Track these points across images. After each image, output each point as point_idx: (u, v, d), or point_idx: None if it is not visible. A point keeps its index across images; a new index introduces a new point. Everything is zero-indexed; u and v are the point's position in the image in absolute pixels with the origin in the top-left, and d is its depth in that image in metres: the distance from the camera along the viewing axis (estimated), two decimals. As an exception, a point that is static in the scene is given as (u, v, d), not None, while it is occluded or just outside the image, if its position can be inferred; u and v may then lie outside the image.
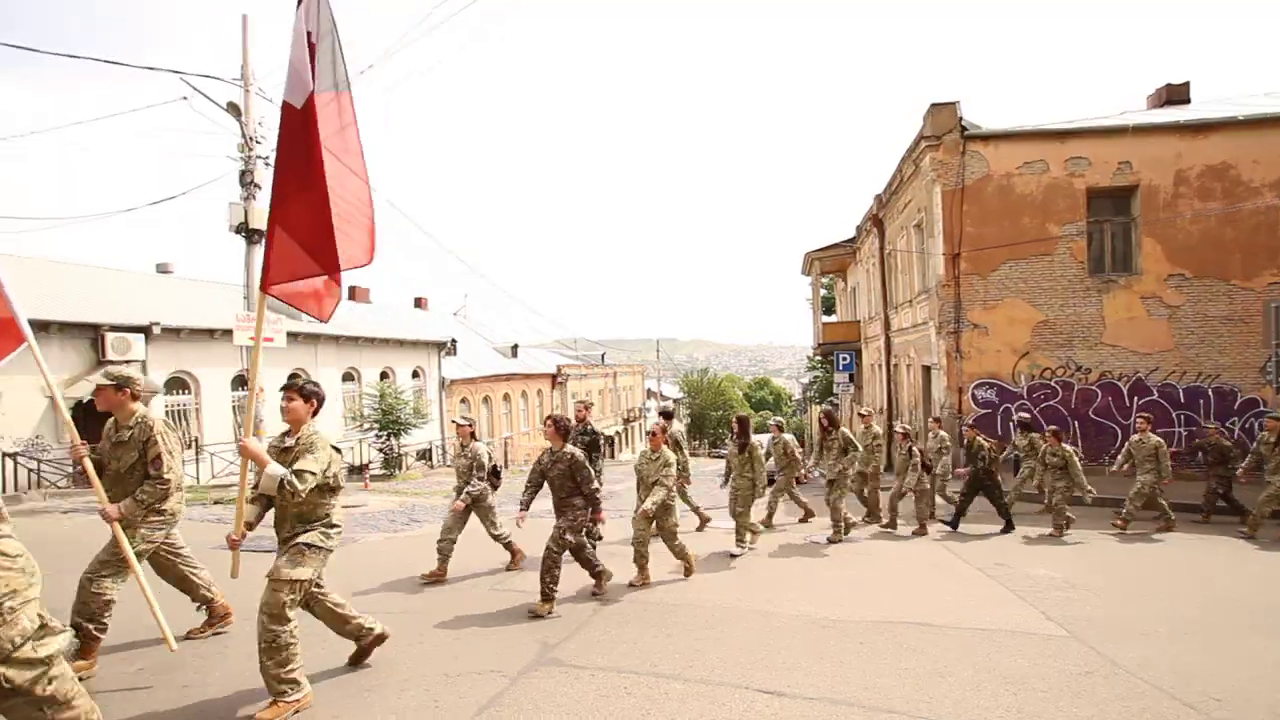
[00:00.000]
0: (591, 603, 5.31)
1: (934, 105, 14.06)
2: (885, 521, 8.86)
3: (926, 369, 15.73)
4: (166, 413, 16.11)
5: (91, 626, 3.78)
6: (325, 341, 20.88)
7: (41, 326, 13.34)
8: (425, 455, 23.75)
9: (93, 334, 14.43)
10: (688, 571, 6.11)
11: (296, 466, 3.28)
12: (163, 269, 22.38)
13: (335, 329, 21.63)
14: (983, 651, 4.27)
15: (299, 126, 3.66)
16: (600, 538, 5.34)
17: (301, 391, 3.53)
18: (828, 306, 32.81)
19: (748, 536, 7.33)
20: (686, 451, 8.29)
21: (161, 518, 4.08)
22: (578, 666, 3.96)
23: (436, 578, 5.93)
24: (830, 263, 26.52)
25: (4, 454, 12.67)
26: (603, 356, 50.26)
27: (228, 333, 14.77)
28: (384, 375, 23.65)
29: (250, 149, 10.70)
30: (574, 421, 6.31)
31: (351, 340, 22.16)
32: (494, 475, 6.34)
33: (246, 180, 10.75)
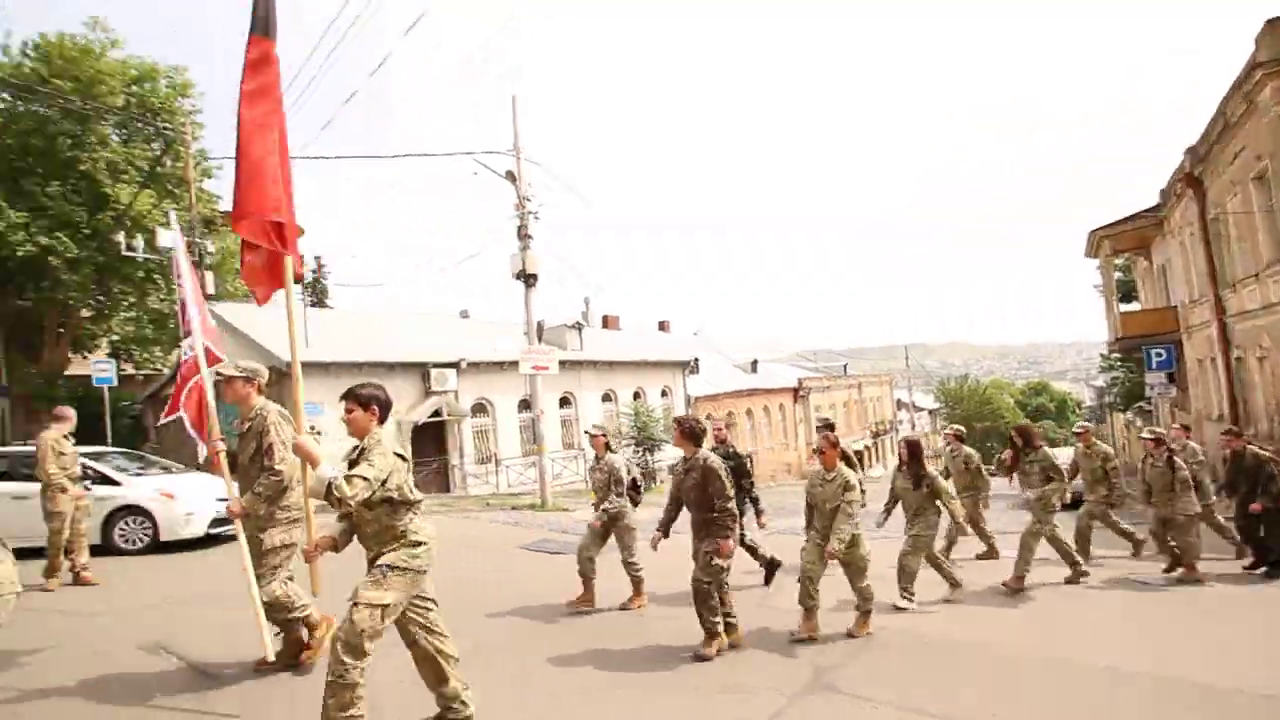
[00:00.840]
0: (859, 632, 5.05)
1: (1271, 21, 10.95)
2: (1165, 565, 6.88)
3: (1291, 362, 12.14)
4: (474, 434, 19.43)
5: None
6: (586, 366, 23.35)
7: (387, 367, 17.17)
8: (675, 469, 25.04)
9: (421, 370, 18.08)
10: (864, 616, 4.88)
11: (350, 472, 2.93)
12: (464, 314, 27.29)
13: (593, 355, 24.07)
14: None
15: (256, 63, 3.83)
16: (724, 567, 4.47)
17: (359, 399, 3.12)
18: (1124, 293, 27.21)
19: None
20: (860, 470, 7.01)
21: (289, 514, 3.96)
22: (859, 697, 3.83)
23: (585, 603, 5.56)
24: (1125, 239, 22.00)
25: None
26: (845, 368, 48.06)
27: (514, 364, 17.35)
28: (636, 395, 25.59)
29: (523, 207, 12.56)
30: (709, 434, 5.32)
31: (608, 364, 24.44)
32: (634, 489, 5.77)
33: (522, 234, 12.62)
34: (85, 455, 7.61)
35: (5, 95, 17.44)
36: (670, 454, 23.08)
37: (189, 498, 8.34)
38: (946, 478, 7.23)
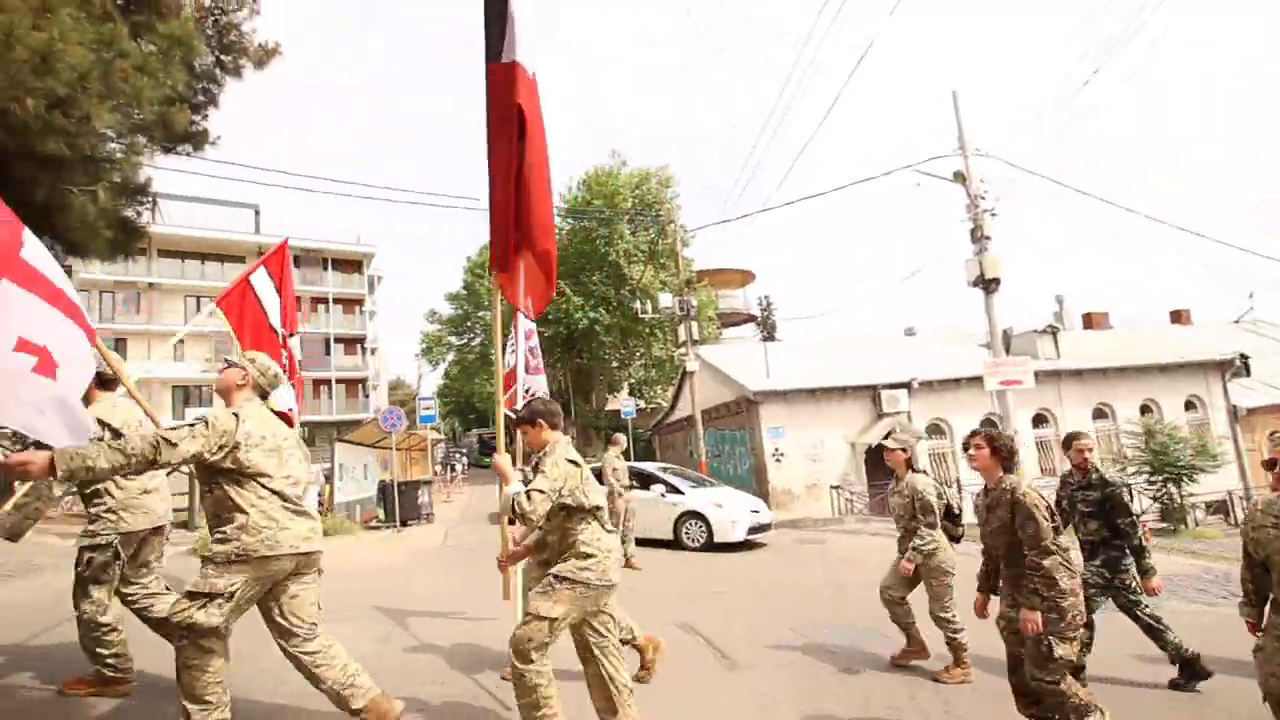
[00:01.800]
0: None
1: None
2: None
3: None
4: (930, 457, 18.48)
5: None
6: (1067, 377, 19.68)
7: (839, 391, 17.91)
8: (1220, 507, 18.64)
9: (871, 393, 18.22)
10: None
11: (529, 486, 2.99)
12: (909, 331, 26.42)
13: (1076, 362, 20.18)
14: None
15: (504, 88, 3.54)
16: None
17: (522, 419, 3.29)
18: None
19: None
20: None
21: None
22: None
23: (914, 655, 4.56)
24: None
25: (831, 487, 17.29)
26: None
27: (972, 380, 15.95)
28: (1145, 409, 20.24)
29: (976, 207, 11.64)
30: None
31: (1096, 372, 20.07)
32: (950, 519, 4.66)
33: (977, 236, 11.68)
34: (656, 470, 10.38)
35: (570, 219, 25.66)
36: (1205, 485, 17.35)
37: (732, 507, 10.17)
38: None
